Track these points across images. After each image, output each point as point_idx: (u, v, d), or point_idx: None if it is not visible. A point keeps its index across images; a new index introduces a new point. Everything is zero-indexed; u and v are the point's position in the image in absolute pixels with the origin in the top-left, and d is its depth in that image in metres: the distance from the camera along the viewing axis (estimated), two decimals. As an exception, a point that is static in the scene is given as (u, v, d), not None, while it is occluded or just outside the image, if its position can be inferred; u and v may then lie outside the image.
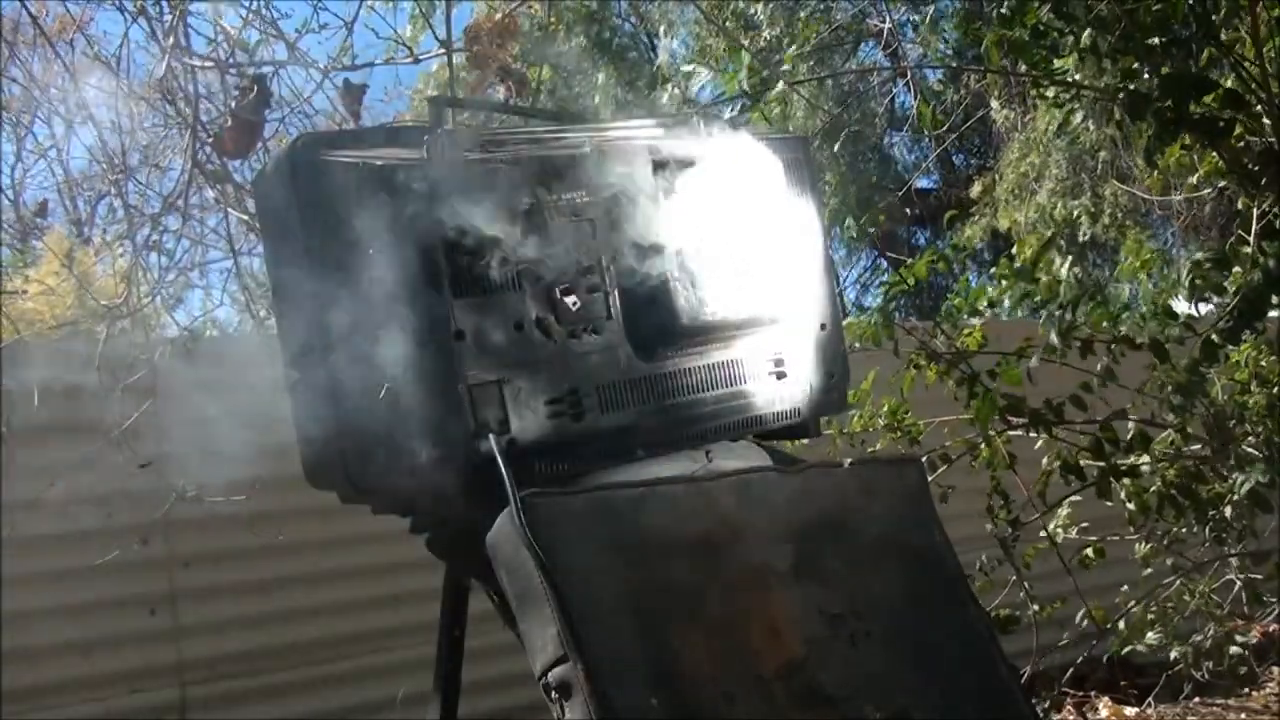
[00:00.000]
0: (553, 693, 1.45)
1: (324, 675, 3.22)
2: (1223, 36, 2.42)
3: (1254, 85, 2.42)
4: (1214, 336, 2.31)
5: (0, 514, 2.72)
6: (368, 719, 3.22)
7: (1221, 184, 2.90)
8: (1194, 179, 3.07)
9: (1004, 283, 2.66)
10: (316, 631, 3.21)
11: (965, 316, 2.91)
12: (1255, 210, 2.42)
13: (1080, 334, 2.53)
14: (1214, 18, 2.34)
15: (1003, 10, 2.47)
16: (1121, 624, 3.15)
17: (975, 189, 8.50)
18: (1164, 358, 2.48)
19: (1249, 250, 2.33)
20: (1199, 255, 2.36)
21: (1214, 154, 2.62)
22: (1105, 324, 2.60)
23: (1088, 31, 2.32)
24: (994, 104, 7.87)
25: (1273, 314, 2.48)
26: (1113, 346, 2.57)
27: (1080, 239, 7.26)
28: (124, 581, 2.99)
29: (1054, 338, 2.47)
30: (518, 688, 2.76)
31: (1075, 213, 7.09)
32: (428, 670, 1.96)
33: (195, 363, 2.70)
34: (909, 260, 2.82)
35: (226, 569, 3.12)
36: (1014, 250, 2.76)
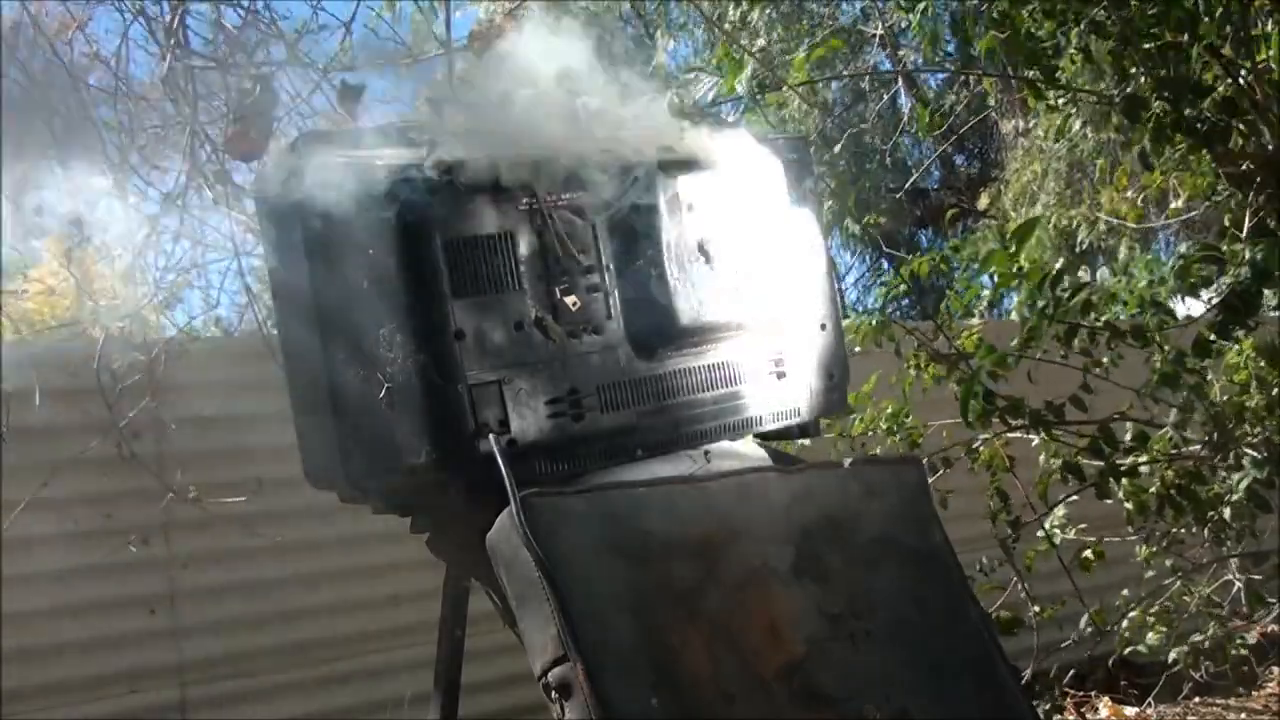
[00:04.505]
0: (553, 693, 1.45)
1: (324, 675, 3.22)
2: (1214, 41, 2.42)
3: (1249, 90, 2.43)
4: (1205, 332, 2.32)
5: (0, 514, 2.72)
6: (367, 719, 3.22)
7: (1209, 199, 2.91)
8: (1178, 203, 3.08)
9: (995, 269, 2.63)
10: (316, 631, 3.21)
11: (961, 318, 2.91)
12: (1248, 210, 2.43)
13: (1066, 318, 2.51)
14: (1208, 21, 2.35)
15: (994, 15, 2.48)
16: (1123, 624, 3.15)
17: (983, 201, 8.49)
18: (1146, 344, 2.48)
19: (1240, 248, 2.34)
20: (1184, 249, 2.37)
21: (1195, 177, 2.63)
22: (1093, 314, 2.58)
23: (1077, 33, 2.33)
24: (990, 101, 7.87)
25: (1273, 314, 2.49)
26: (1096, 335, 2.57)
27: (1078, 248, 7.25)
28: (124, 581, 2.99)
29: (1029, 315, 2.46)
30: (518, 688, 2.77)
31: (1074, 222, 7.09)
32: (428, 670, 1.96)
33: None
34: (909, 258, 2.81)
35: (226, 569, 3.12)
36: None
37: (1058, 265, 2.52)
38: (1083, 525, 3.11)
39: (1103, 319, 2.56)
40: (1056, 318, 2.50)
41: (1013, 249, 2.54)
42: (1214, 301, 2.41)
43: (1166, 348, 2.47)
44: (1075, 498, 2.93)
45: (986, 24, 2.54)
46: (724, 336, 1.81)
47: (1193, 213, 3.19)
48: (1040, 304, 2.46)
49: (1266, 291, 2.28)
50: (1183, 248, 2.36)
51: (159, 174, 2.85)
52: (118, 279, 3.10)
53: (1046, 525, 3.03)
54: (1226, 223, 2.58)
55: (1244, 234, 2.40)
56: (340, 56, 2.65)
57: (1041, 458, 2.88)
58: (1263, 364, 2.76)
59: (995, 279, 2.70)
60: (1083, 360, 2.63)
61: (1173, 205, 3.24)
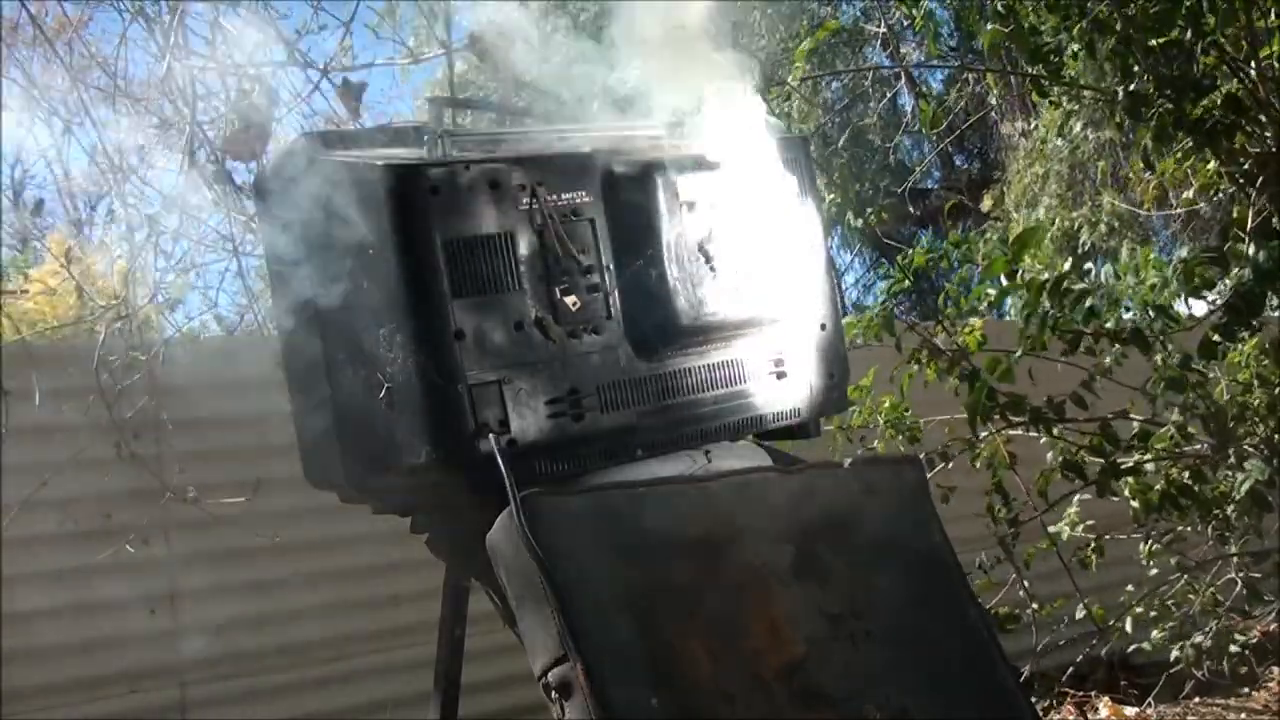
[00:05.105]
0: (553, 692, 1.46)
1: (324, 675, 3.21)
2: (1219, 38, 2.42)
3: (1252, 89, 2.43)
4: (1209, 333, 2.32)
5: (0, 513, 2.71)
6: (367, 719, 3.22)
7: (1218, 194, 2.90)
8: (1190, 193, 3.07)
9: (998, 277, 2.63)
10: (316, 631, 3.21)
11: (963, 315, 2.90)
12: (1251, 210, 2.42)
13: (1066, 327, 2.51)
14: (1212, 19, 2.34)
15: (998, 9, 2.47)
16: (1128, 621, 3.14)
17: (986, 203, 8.49)
18: (1146, 349, 2.47)
19: (1244, 248, 2.33)
20: (1186, 252, 2.36)
21: (1209, 164, 2.62)
22: (1093, 320, 2.57)
23: (1081, 28, 2.32)
24: (992, 99, 7.87)
25: (1275, 315, 2.48)
26: (1098, 341, 2.56)
27: (1080, 249, 7.26)
28: (124, 581, 2.98)
29: (1032, 328, 2.45)
30: (518, 688, 2.76)
31: (1076, 224, 7.10)
32: (428, 670, 1.96)
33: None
34: (909, 250, 2.81)
35: (226, 569, 3.11)
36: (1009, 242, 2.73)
37: (1058, 272, 2.50)
38: (1090, 522, 3.10)
39: (1107, 324, 2.54)
40: (1059, 326, 2.48)
41: (1013, 256, 2.53)
42: (1217, 302, 2.40)
43: (1170, 348, 2.47)
44: (1087, 496, 2.92)
45: (990, 18, 2.53)
46: (724, 336, 1.81)
47: (1203, 204, 3.18)
48: (1041, 310, 2.45)
49: (1269, 292, 2.28)
50: (1184, 251, 2.35)
51: (158, 174, 2.86)
52: (118, 279, 3.10)
53: (1056, 524, 3.02)
54: (1234, 216, 2.57)
55: (1247, 233, 2.40)
56: (340, 56, 2.65)
57: (1050, 455, 2.87)
58: (1265, 363, 2.75)
59: (998, 286, 2.68)
60: (1085, 360, 2.62)
61: (1185, 195, 3.22)
